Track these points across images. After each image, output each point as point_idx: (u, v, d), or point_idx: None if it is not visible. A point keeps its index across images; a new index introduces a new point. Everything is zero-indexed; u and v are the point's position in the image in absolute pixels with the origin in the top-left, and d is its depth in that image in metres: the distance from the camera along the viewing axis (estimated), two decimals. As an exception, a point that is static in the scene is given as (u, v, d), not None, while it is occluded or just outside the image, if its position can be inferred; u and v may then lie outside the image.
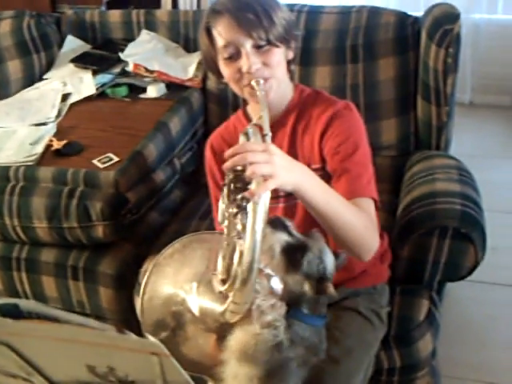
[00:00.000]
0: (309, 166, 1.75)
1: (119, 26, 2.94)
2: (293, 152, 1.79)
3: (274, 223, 1.48)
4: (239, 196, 1.45)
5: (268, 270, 1.48)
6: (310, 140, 1.80)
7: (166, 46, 2.79)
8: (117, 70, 2.76)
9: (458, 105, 2.48)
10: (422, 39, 2.41)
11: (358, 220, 1.60)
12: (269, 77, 1.70)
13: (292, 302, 1.49)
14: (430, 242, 2.01)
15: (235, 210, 1.47)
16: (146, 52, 2.72)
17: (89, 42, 2.98)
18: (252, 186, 1.38)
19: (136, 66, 2.68)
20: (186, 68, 2.69)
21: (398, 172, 2.44)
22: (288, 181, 1.43)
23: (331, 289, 1.49)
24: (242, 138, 1.57)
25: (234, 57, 1.69)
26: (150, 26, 2.88)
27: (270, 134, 1.52)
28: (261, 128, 1.55)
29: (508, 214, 3.14)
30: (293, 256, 1.46)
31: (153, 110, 2.58)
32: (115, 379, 1.09)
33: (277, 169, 1.39)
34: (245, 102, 1.94)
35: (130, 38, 2.88)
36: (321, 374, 1.71)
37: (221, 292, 1.48)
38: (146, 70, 2.67)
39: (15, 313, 1.11)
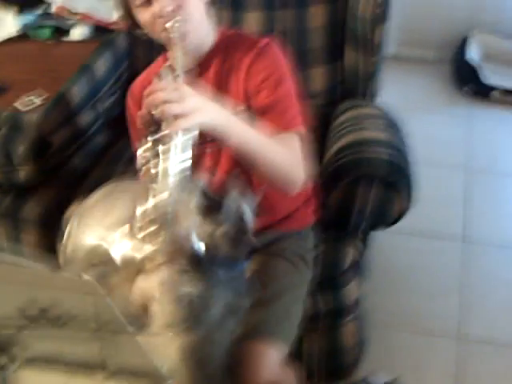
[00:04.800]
0: (235, 107, 1.75)
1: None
2: (218, 95, 1.76)
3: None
4: (149, 139, 1.43)
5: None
6: (235, 81, 1.77)
7: (90, -13, 2.71)
8: (39, 11, 2.66)
9: (382, 57, 2.49)
10: (351, -13, 2.40)
11: (282, 156, 1.62)
12: (183, 19, 1.63)
13: (211, 249, 1.48)
14: (356, 190, 2.02)
15: (149, 155, 1.45)
16: (70, -7, 2.65)
17: (9, -19, 2.86)
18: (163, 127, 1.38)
19: (59, 7, 2.60)
20: (111, 10, 2.61)
21: (324, 121, 2.43)
22: (203, 120, 1.43)
23: (252, 240, 1.50)
24: (155, 81, 1.54)
25: (146, 3, 1.63)
26: (74, -34, 2.77)
27: (181, 75, 1.51)
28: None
29: (429, 167, 3.19)
30: (210, 215, 1.45)
31: (77, 52, 2.51)
32: (47, 321, 1.06)
33: (189, 108, 1.39)
34: (166, 48, 1.90)
35: (53, -22, 2.78)
36: (251, 319, 1.71)
37: (140, 239, 1.46)
38: (70, 12, 2.59)
39: None
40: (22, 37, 2.62)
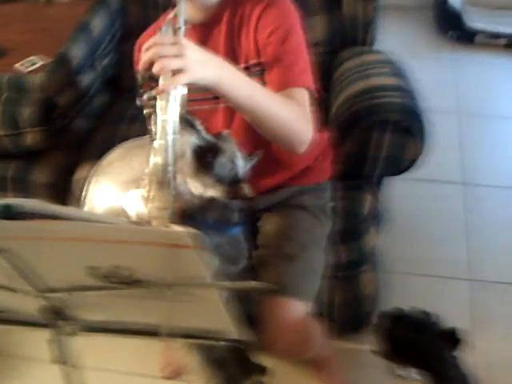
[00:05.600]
0: (247, 61, 1.70)
1: None
2: (231, 49, 1.72)
3: (182, 123, 1.43)
4: (147, 95, 1.36)
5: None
6: (246, 34, 1.71)
7: None
8: (26, -30, 2.58)
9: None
10: None
11: (288, 112, 1.55)
12: None
13: (199, 209, 1.45)
14: (370, 136, 2.01)
15: (149, 111, 1.39)
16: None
17: None
18: (160, 82, 1.31)
19: (48, -35, 2.53)
20: (102, -33, 2.54)
21: (325, 69, 2.40)
22: (203, 75, 1.36)
23: (245, 190, 1.47)
24: (157, 35, 1.50)
25: None
26: None
27: (183, 27, 1.42)
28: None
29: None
30: (204, 158, 1.41)
31: (70, 11, 2.47)
32: (117, 280, 1.03)
33: (189, 63, 1.32)
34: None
35: None
36: (277, 272, 1.71)
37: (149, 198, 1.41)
38: (59, -31, 2.53)
39: (8, 214, 1.02)
40: (11, -2, 2.55)
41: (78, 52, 2.25)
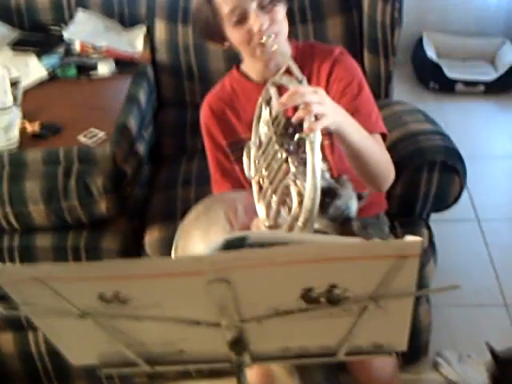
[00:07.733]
0: None
1: (48, 7, 2.82)
2: None
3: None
4: (296, 137, 1.50)
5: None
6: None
7: (104, 22, 2.75)
8: (61, 50, 2.68)
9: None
10: (366, -4, 2.56)
11: (382, 155, 1.75)
12: (277, 32, 1.78)
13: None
14: (420, 177, 2.19)
15: (284, 155, 1.54)
16: (89, 30, 2.67)
17: (15, 26, 2.85)
18: (305, 126, 1.43)
19: (83, 44, 2.64)
20: (133, 43, 2.67)
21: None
22: (336, 120, 1.52)
23: (354, 227, 1.60)
24: (272, 89, 1.66)
25: (242, 20, 1.76)
26: (81, 5, 2.79)
27: (305, 78, 1.59)
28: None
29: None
30: (322, 200, 1.47)
31: (112, 86, 2.58)
32: (326, 299, 1.09)
33: (328, 109, 1.49)
34: (238, 63, 2.00)
35: (60, 19, 2.80)
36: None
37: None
38: (94, 47, 2.64)
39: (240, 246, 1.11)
40: (51, 78, 2.63)
41: (133, 122, 2.37)
